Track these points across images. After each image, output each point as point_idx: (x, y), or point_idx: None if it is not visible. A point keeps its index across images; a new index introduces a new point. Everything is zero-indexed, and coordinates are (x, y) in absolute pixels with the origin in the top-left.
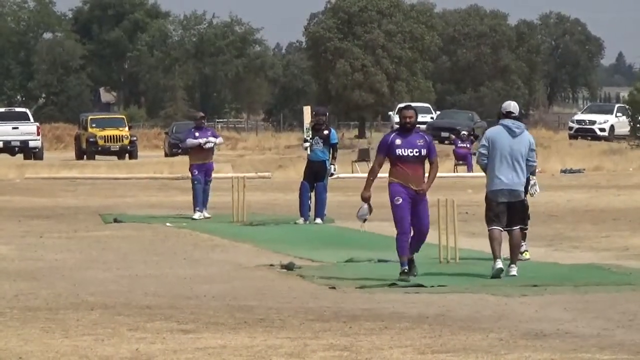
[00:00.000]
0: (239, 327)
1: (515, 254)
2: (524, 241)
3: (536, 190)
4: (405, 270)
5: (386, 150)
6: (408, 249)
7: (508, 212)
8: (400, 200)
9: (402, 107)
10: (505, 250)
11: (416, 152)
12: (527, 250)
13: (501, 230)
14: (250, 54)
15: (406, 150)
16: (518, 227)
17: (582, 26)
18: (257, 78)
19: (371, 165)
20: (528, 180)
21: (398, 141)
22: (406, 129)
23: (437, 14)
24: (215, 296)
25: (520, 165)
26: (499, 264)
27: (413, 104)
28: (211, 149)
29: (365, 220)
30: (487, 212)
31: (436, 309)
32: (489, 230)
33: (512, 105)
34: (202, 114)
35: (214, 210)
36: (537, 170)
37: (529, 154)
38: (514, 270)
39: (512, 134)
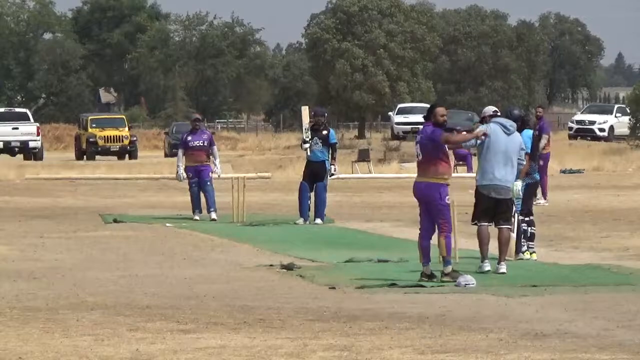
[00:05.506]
0: (238, 327)
1: (503, 252)
2: (532, 242)
3: None
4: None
5: None
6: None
7: (496, 209)
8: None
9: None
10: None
11: None
12: (535, 252)
13: (488, 226)
14: (250, 55)
15: None
16: (505, 226)
17: (582, 26)
18: (257, 79)
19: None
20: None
21: None
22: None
23: (437, 14)
24: (215, 296)
25: (512, 163)
26: (487, 267)
27: (413, 105)
28: (205, 151)
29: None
30: (476, 206)
31: (436, 309)
32: (477, 226)
33: (493, 109)
34: (196, 116)
35: None
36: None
37: (519, 153)
38: (503, 268)
39: (507, 131)
